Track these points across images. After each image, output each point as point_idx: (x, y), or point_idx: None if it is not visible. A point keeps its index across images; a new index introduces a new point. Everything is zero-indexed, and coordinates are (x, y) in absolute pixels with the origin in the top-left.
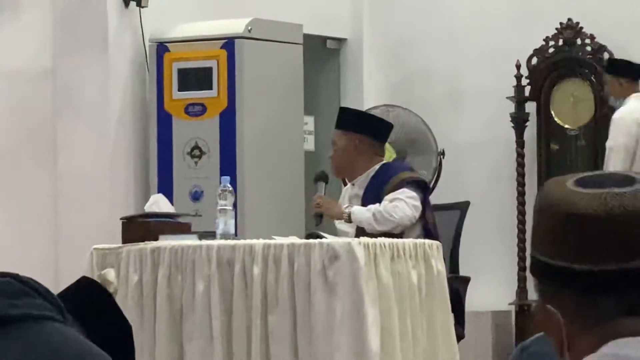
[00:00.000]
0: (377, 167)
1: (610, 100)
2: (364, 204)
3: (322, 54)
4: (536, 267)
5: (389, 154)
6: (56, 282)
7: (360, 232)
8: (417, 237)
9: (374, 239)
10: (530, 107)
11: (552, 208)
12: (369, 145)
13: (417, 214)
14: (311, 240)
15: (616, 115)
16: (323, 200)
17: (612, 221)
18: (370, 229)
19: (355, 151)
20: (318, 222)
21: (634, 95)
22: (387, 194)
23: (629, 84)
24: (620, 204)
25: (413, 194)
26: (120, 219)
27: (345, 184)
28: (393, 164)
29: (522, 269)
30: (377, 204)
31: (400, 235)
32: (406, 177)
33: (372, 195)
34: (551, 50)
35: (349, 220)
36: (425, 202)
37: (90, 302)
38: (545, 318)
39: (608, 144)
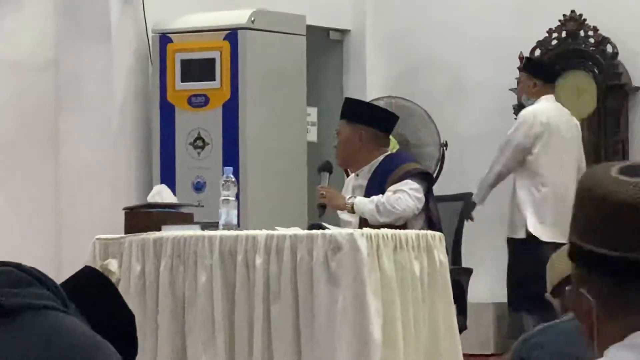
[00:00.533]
0: (380, 158)
1: (523, 98)
2: (368, 194)
3: (325, 45)
4: (573, 251)
5: (392, 145)
6: (59, 272)
7: (364, 222)
8: (421, 229)
9: (376, 230)
10: None
11: (593, 194)
12: (374, 136)
13: (420, 206)
14: (314, 231)
15: (524, 112)
16: (327, 191)
17: None
18: (373, 221)
19: (360, 142)
20: (321, 212)
21: (544, 97)
22: (390, 185)
23: (543, 86)
24: None
25: (416, 185)
26: (123, 209)
27: (347, 175)
28: (397, 155)
29: None
30: (380, 196)
31: (403, 227)
32: (410, 168)
33: (375, 186)
34: (554, 42)
35: (352, 211)
36: (428, 193)
37: (92, 291)
38: (577, 301)
39: (508, 134)
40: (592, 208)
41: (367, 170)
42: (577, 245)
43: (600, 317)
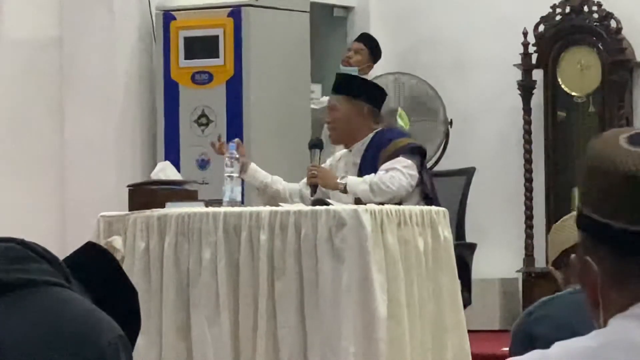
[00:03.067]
0: (371, 134)
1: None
2: (362, 171)
3: (329, 22)
4: (580, 219)
5: (405, 121)
6: (63, 249)
7: (358, 201)
8: (417, 204)
9: (380, 206)
10: (537, 74)
11: (602, 164)
12: (371, 112)
13: (414, 183)
14: (317, 207)
15: None
16: (318, 170)
17: None
18: (367, 200)
19: (360, 117)
20: (313, 192)
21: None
22: (383, 162)
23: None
24: None
25: (409, 162)
26: (127, 186)
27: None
28: (387, 131)
29: (529, 236)
30: (373, 175)
31: (398, 204)
32: (402, 144)
33: (368, 163)
34: (558, 17)
35: (344, 191)
36: (422, 167)
37: (95, 267)
38: (582, 269)
39: None
40: (598, 177)
41: (359, 147)
42: (583, 213)
43: (604, 286)
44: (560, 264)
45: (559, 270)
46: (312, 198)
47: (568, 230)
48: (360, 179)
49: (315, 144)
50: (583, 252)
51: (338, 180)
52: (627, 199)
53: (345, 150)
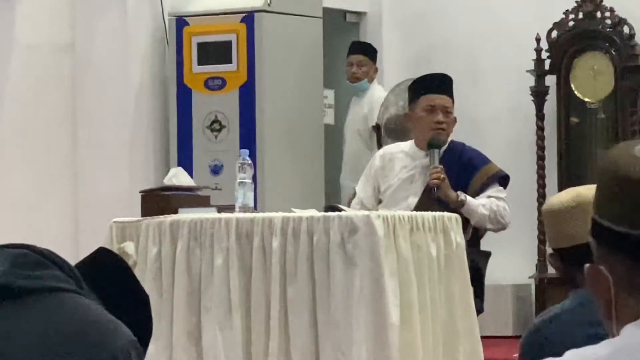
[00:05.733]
0: (447, 144)
1: (365, 84)
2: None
3: (341, 28)
4: (594, 228)
5: None
6: (76, 254)
7: (420, 207)
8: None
9: (392, 212)
10: (550, 80)
11: (616, 173)
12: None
13: None
14: (330, 213)
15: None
16: (443, 176)
17: None
18: (478, 224)
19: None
20: (433, 194)
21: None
22: (477, 184)
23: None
24: None
25: (505, 193)
26: (140, 192)
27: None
28: (466, 147)
29: (542, 242)
30: (487, 201)
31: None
32: (495, 172)
33: (452, 177)
34: (571, 23)
35: (460, 206)
36: None
37: (107, 273)
38: (596, 278)
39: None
40: (612, 185)
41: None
42: (597, 222)
43: (618, 295)
44: (571, 259)
45: (563, 264)
46: (434, 196)
47: (577, 221)
48: (477, 201)
49: (435, 144)
50: (596, 260)
51: (458, 195)
52: None
53: (406, 148)
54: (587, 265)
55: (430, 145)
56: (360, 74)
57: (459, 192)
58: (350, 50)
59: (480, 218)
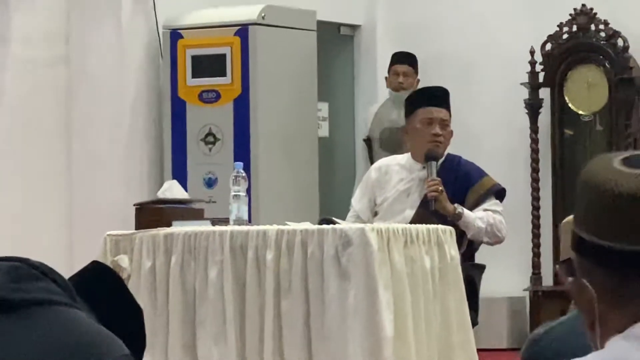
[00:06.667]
0: (444, 157)
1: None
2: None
3: (335, 41)
4: (575, 242)
5: None
6: (70, 267)
7: (417, 219)
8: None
9: (386, 225)
10: (545, 93)
11: (594, 185)
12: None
13: None
14: (324, 226)
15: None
16: (440, 188)
17: None
18: (474, 237)
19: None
20: (431, 206)
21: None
22: (473, 197)
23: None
24: None
25: (501, 207)
26: (134, 205)
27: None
28: (462, 160)
29: (536, 255)
30: (484, 214)
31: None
32: (491, 185)
33: (449, 190)
34: (565, 36)
35: (457, 218)
36: None
37: (100, 286)
38: (579, 293)
39: None
40: (593, 198)
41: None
42: (578, 235)
43: (602, 308)
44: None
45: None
46: (431, 208)
47: None
48: (474, 214)
49: (432, 156)
50: (579, 275)
51: (455, 208)
52: (627, 220)
53: (402, 161)
54: (569, 278)
55: (428, 158)
56: (407, 85)
57: (456, 205)
58: (396, 60)
59: (477, 231)
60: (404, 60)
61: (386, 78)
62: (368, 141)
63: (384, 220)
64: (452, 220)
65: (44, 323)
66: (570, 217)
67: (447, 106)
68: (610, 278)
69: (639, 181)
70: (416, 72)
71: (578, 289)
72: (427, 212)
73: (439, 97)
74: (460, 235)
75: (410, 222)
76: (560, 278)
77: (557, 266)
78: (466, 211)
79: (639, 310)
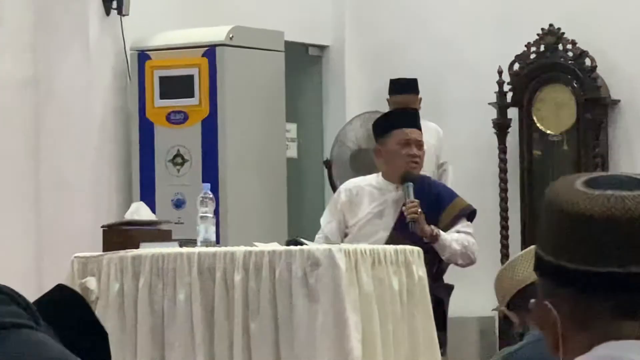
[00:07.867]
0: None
1: None
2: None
3: (304, 61)
4: (538, 263)
5: None
6: (39, 290)
7: (391, 241)
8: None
9: (354, 245)
10: (513, 113)
11: (556, 206)
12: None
13: None
14: (292, 247)
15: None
16: (418, 210)
17: (613, 224)
18: (450, 259)
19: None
20: (411, 228)
21: None
22: (446, 219)
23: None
24: (623, 207)
25: (472, 227)
26: (102, 226)
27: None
28: (432, 180)
29: None
30: (458, 236)
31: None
32: (464, 206)
33: (425, 212)
34: (533, 56)
35: (434, 240)
36: None
37: (65, 309)
38: (542, 314)
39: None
40: (553, 219)
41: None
42: (541, 256)
43: (565, 329)
44: (515, 305)
45: (513, 312)
46: (411, 230)
47: (520, 271)
48: (450, 237)
49: (408, 178)
50: (542, 296)
51: (433, 229)
52: (583, 241)
53: (373, 182)
54: (532, 300)
55: (405, 179)
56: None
57: (432, 227)
58: (401, 90)
59: (452, 253)
60: (408, 89)
61: (387, 100)
62: (327, 163)
63: (356, 242)
64: (429, 242)
65: (8, 347)
66: (507, 265)
67: (419, 127)
68: (571, 299)
69: (596, 202)
70: (417, 93)
71: (541, 310)
72: (401, 235)
73: (413, 118)
74: (432, 257)
75: (385, 244)
76: (516, 319)
77: (502, 309)
78: (442, 233)
79: (602, 331)
